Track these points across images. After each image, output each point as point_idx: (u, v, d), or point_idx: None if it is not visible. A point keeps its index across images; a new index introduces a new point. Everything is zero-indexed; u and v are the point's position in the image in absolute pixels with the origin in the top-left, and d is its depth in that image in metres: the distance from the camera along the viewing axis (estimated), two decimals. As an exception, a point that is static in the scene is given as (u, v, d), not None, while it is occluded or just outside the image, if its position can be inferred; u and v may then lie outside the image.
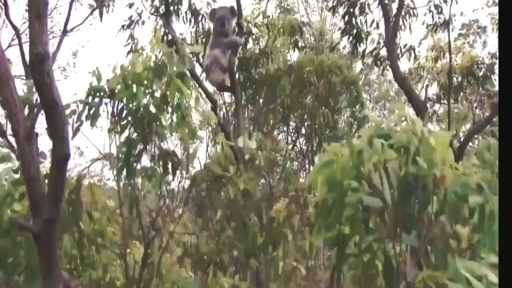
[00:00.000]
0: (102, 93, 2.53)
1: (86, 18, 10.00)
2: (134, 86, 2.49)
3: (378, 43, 6.86)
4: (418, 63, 7.63)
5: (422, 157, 1.95)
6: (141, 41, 7.38)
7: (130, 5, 5.98)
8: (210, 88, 4.51)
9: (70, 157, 2.02)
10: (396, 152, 2.07)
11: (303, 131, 11.65)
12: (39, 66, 1.88)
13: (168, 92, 2.55)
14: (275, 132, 10.87)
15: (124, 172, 2.57)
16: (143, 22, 5.98)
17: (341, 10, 6.50)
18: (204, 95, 4.34)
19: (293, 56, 9.91)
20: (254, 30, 7.11)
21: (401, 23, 6.06)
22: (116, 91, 2.51)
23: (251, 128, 7.55)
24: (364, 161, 2.02)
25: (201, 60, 5.12)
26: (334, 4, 6.45)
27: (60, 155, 1.99)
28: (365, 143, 2.01)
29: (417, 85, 11.13)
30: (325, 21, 15.24)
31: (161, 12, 5.05)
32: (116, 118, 2.66)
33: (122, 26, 6.04)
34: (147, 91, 2.53)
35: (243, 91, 6.95)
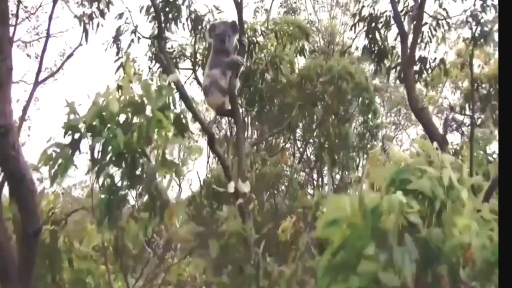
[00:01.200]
0: (79, 131, 2.36)
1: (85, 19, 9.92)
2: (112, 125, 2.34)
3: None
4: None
5: (448, 217, 1.77)
6: (134, 52, 7.27)
7: (120, 16, 5.85)
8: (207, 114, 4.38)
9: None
10: (419, 202, 1.85)
11: (311, 140, 11.51)
12: (2, 139, 1.72)
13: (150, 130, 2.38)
14: (281, 140, 10.72)
15: (106, 222, 2.41)
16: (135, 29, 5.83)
17: (361, 25, 6.23)
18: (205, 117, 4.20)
19: (301, 61, 9.75)
20: (259, 39, 6.93)
21: (427, 36, 5.85)
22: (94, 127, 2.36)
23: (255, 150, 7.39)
24: (379, 220, 1.83)
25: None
26: (355, 21, 6.19)
27: (30, 230, 1.84)
28: (381, 197, 1.83)
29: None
30: (335, 19, 15.04)
31: (154, 34, 4.90)
32: (97, 156, 2.51)
33: (113, 40, 5.91)
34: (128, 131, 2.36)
35: (248, 105, 6.82)
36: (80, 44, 8.10)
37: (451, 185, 1.83)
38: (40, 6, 10.52)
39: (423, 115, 4.75)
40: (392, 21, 5.93)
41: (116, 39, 5.78)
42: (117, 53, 5.96)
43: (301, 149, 10.14)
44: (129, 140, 2.46)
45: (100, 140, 2.32)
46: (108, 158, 2.48)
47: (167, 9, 5.42)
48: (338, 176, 11.40)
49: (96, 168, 2.52)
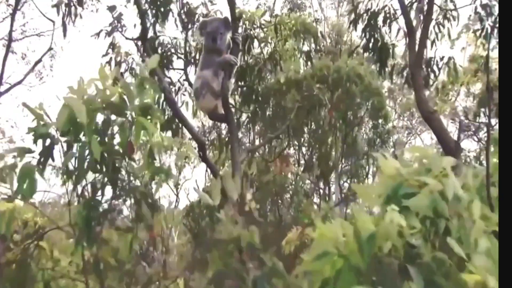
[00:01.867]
0: (50, 137, 2.27)
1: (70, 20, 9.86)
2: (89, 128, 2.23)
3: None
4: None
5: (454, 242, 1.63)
6: (125, 46, 7.18)
7: (111, 8, 5.77)
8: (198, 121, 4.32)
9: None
10: (420, 221, 1.69)
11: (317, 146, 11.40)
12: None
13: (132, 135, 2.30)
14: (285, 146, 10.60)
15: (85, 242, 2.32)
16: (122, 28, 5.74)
17: (361, 23, 6.01)
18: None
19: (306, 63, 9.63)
20: (257, 31, 6.80)
21: (433, 32, 5.60)
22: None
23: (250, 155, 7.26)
24: (376, 248, 1.68)
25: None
26: (352, 18, 5.95)
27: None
28: (376, 221, 1.71)
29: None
30: (344, 16, 14.93)
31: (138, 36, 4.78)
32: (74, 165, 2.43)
33: (97, 34, 5.84)
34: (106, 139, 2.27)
35: (245, 104, 6.69)
36: (51, 48, 7.94)
37: (456, 198, 1.70)
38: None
39: (433, 119, 4.58)
40: (393, 16, 5.75)
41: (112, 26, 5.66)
42: (111, 48, 5.86)
43: (306, 156, 10.01)
44: (110, 143, 2.39)
45: (76, 146, 2.25)
46: (86, 165, 2.39)
47: (158, 2, 5.31)
48: (346, 185, 11.29)
49: (72, 179, 2.44)
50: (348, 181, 11.11)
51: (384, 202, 1.76)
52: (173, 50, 6.47)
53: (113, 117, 2.39)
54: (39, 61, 9.33)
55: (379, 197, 1.78)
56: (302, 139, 9.87)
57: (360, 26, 5.84)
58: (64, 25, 5.18)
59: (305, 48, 7.83)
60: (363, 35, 5.82)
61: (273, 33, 6.74)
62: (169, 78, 6.28)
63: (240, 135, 8.81)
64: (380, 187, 1.79)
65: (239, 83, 6.46)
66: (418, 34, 5.05)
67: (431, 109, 4.74)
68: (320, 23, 14.17)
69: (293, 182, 9.62)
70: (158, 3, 5.31)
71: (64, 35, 5.33)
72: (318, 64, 9.76)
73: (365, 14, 5.81)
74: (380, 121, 11.27)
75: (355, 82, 10.09)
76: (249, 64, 6.56)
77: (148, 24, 5.15)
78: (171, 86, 6.14)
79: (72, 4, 5.32)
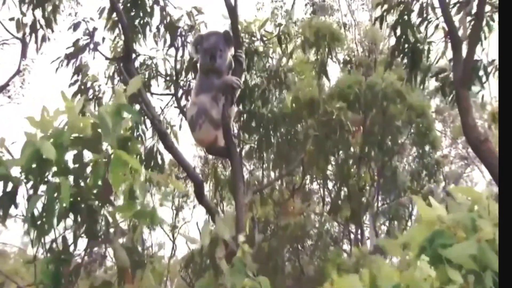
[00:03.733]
0: (13, 180, 2.36)
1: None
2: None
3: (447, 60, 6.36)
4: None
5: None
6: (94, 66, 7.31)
7: (75, 27, 5.88)
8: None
9: None
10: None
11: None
12: None
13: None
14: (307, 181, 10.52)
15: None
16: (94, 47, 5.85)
17: (390, 19, 6.02)
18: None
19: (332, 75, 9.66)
20: (257, 44, 6.90)
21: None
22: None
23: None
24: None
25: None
26: (378, 14, 5.98)
27: None
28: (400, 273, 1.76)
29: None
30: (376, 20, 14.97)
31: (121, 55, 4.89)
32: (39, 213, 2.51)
33: (66, 57, 5.93)
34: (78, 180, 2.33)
35: (246, 133, 6.69)
36: (19, 71, 7.99)
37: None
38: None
39: (484, 149, 4.57)
40: (432, 13, 5.69)
41: (73, 56, 5.80)
42: (76, 73, 6.02)
43: (333, 192, 10.01)
44: (83, 185, 2.44)
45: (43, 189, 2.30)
46: (55, 212, 2.44)
47: (132, 12, 5.39)
48: (384, 228, 11.23)
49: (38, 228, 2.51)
50: (387, 224, 11.06)
51: (416, 254, 1.82)
52: (161, 71, 6.59)
53: (86, 153, 2.44)
54: (6, 85, 9.55)
55: (413, 250, 1.85)
56: (328, 171, 9.89)
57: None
58: (24, 45, 5.30)
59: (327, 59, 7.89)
60: (392, 32, 5.84)
61: (278, 45, 6.80)
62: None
63: (245, 170, 8.84)
64: (415, 234, 1.86)
65: (239, 108, 6.54)
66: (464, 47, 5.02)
67: (482, 136, 4.70)
68: (349, 29, 14.30)
69: (317, 225, 9.60)
70: (133, 13, 5.39)
71: (24, 57, 5.43)
72: (346, 80, 9.85)
73: (396, 8, 5.78)
74: (426, 148, 11.25)
75: (393, 100, 10.14)
76: (249, 85, 6.64)
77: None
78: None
79: (39, 26, 5.44)
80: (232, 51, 3.82)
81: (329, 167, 10.16)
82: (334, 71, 16.12)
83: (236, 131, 6.77)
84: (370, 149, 10.30)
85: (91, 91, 6.15)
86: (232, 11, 3.71)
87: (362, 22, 14.86)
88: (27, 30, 5.67)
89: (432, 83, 8.75)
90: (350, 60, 10.66)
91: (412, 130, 11.02)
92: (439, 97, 11.99)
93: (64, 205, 2.37)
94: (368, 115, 9.87)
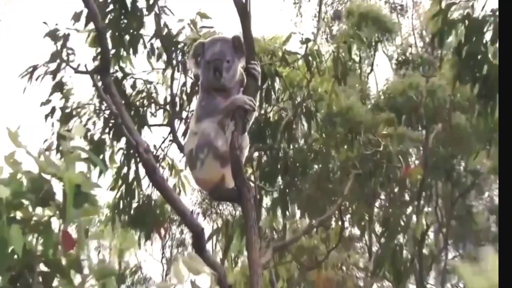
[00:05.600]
0: None
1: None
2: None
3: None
4: None
5: None
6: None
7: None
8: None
9: None
10: None
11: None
12: None
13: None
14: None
15: None
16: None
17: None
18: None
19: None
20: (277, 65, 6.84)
21: None
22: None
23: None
24: None
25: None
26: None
27: None
28: None
29: None
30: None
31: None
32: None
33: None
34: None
35: (265, 181, 6.56)
36: None
37: None
38: None
39: None
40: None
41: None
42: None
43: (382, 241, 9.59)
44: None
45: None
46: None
47: (122, 23, 5.46)
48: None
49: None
50: (461, 285, 10.48)
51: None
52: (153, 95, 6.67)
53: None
54: None
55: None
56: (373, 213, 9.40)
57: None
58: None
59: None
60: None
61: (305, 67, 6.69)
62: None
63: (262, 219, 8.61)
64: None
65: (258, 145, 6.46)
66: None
67: None
68: (404, 14, 13.86)
69: (362, 284, 9.27)
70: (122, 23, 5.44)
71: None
72: (399, 85, 9.22)
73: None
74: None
75: (464, 110, 9.40)
76: (268, 119, 6.38)
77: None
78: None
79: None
80: (243, 62, 3.66)
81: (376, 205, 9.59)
82: (384, 71, 15.69)
83: (252, 177, 6.66)
84: (435, 179, 9.56)
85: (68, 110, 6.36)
86: (243, 9, 3.55)
87: (421, 3, 14.39)
88: None
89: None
90: (406, 59, 10.07)
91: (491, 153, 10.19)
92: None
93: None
94: (431, 130, 9.23)
